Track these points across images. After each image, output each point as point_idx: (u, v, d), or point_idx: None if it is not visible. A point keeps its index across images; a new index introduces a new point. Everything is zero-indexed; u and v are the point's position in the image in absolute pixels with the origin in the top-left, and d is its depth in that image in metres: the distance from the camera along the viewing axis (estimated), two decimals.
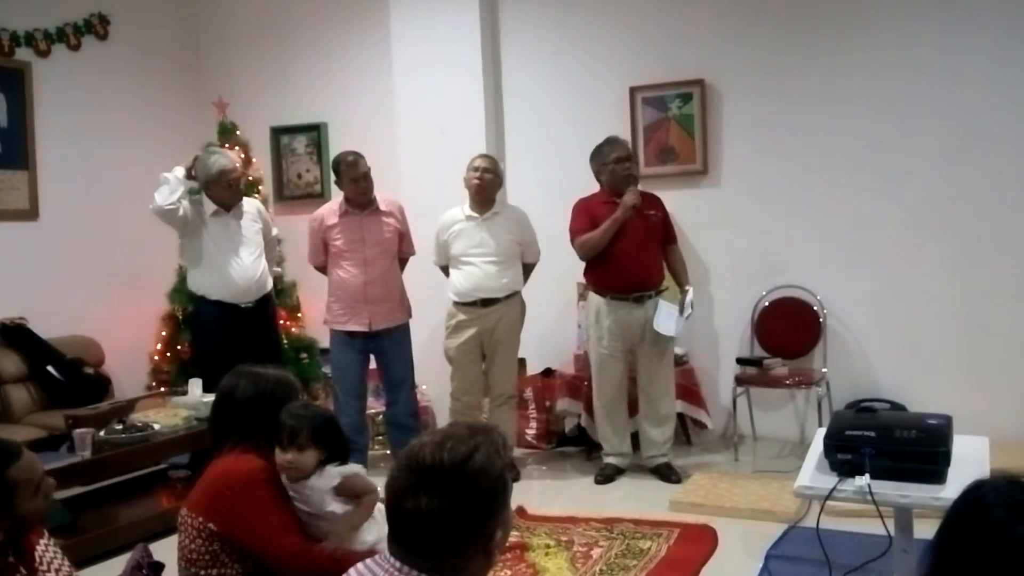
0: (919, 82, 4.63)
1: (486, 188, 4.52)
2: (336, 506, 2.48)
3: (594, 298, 4.53)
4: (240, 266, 4.55)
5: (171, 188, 4.44)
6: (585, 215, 4.46)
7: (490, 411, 4.75)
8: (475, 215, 4.53)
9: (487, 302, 4.51)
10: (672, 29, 5.12)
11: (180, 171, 4.52)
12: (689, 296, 4.46)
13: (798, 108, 4.89)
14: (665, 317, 4.40)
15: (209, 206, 4.55)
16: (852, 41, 4.75)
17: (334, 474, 2.52)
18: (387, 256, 4.65)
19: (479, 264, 4.50)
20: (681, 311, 4.43)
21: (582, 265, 4.98)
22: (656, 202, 4.53)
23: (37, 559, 2.03)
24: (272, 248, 4.88)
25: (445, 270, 4.70)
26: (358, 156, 4.59)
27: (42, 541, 2.07)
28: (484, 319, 4.52)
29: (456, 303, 4.58)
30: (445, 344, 4.63)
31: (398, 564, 1.49)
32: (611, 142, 4.58)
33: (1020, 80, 4.46)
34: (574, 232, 4.47)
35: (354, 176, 4.52)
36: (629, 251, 4.38)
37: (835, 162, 4.84)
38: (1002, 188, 4.53)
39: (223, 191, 4.52)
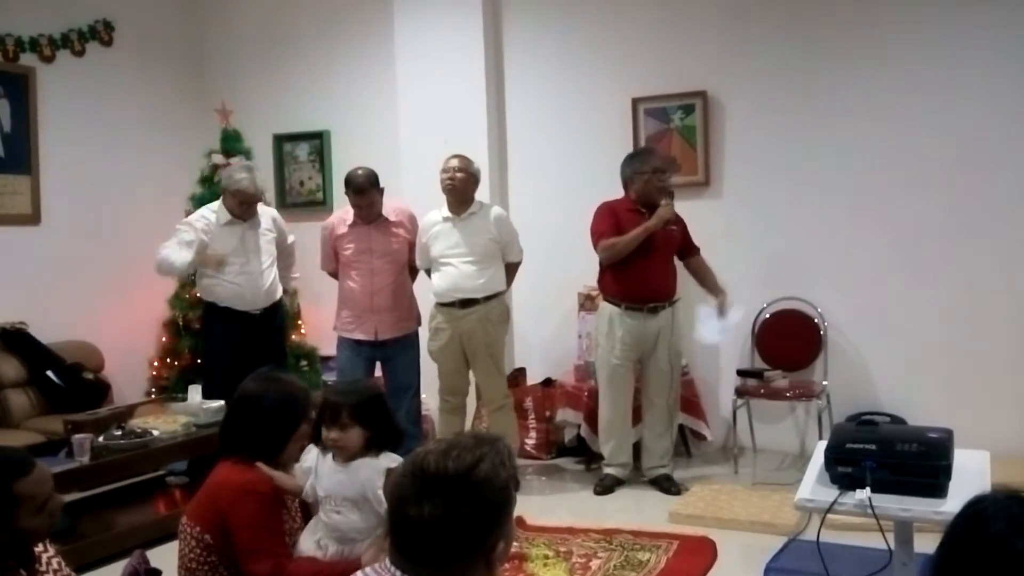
0: (920, 97, 4.64)
1: (458, 189, 4.49)
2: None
3: (607, 307, 4.51)
4: (250, 275, 4.57)
5: (189, 253, 4.45)
6: (611, 218, 4.43)
7: (488, 416, 4.75)
8: (452, 216, 4.52)
9: (465, 303, 4.47)
10: (675, 41, 5.13)
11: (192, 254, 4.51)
12: (728, 300, 4.60)
13: (800, 121, 4.90)
14: (708, 327, 4.57)
15: (223, 215, 4.57)
16: (854, 56, 4.76)
17: (394, 458, 2.50)
18: (395, 266, 4.65)
19: (456, 264, 4.47)
20: (722, 312, 4.56)
21: (583, 274, 4.98)
22: (677, 216, 4.53)
23: (36, 558, 2.02)
24: (288, 255, 4.89)
25: (428, 273, 4.70)
26: (365, 185, 4.49)
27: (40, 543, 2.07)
28: (462, 321, 4.48)
29: (436, 304, 4.56)
30: (428, 346, 4.63)
31: (399, 574, 1.49)
32: (650, 151, 4.57)
33: (1019, 96, 4.47)
34: (600, 234, 4.42)
35: (357, 203, 4.53)
36: (649, 262, 4.38)
37: (836, 175, 4.84)
38: (1002, 203, 4.53)
39: (235, 206, 4.56)
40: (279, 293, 4.78)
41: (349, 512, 2.47)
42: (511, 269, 4.68)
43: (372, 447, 2.50)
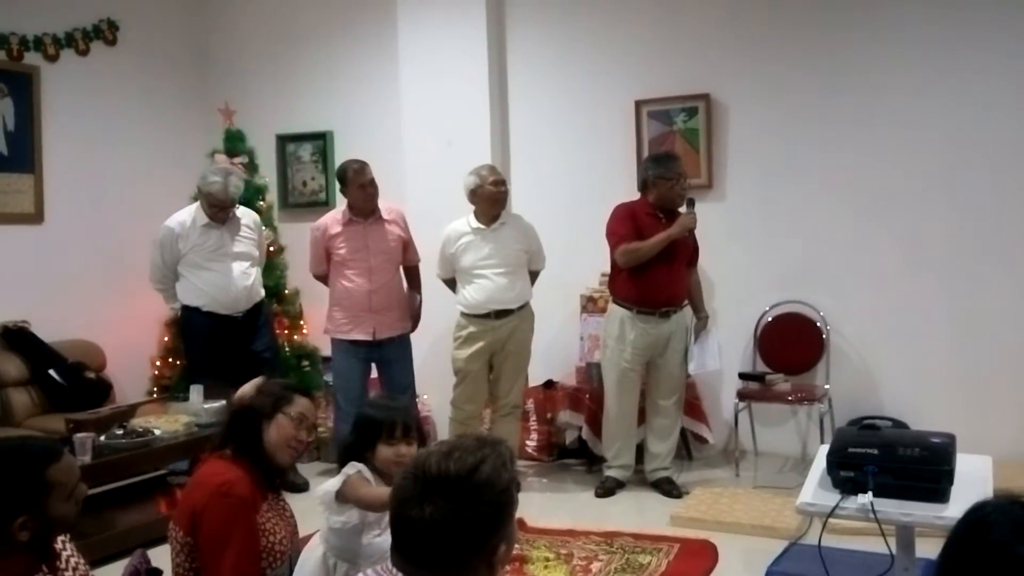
0: (923, 100, 4.64)
1: (505, 201, 4.54)
2: None
3: (618, 310, 4.48)
4: (229, 278, 4.57)
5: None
6: (629, 222, 4.39)
7: (492, 421, 4.74)
8: (482, 227, 4.51)
9: (500, 314, 4.49)
10: (678, 43, 5.13)
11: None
12: (709, 326, 4.55)
13: (803, 124, 4.90)
14: (708, 355, 4.47)
15: (201, 217, 4.55)
16: (857, 59, 4.76)
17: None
18: (391, 264, 4.65)
19: (491, 276, 4.48)
20: (697, 337, 4.50)
21: (585, 276, 4.98)
22: None
23: (57, 555, 2.04)
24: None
25: (449, 283, 4.69)
26: (364, 163, 4.60)
27: (60, 539, 2.08)
28: (497, 331, 4.50)
29: (467, 315, 4.54)
30: (454, 354, 4.61)
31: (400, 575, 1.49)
32: (675, 157, 4.55)
33: (1020, 100, 4.47)
34: (619, 237, 4.37)
35: (362, 183, 4.53)
36: (665, 267, 4.36)
37: (840, 179, 4.84)
38: (1005, 207, 4.53)
39: (207, 207, 4.55)
40: (261, 294, 4.78)
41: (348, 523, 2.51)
42: (532, 277, 4.72)
43: None
